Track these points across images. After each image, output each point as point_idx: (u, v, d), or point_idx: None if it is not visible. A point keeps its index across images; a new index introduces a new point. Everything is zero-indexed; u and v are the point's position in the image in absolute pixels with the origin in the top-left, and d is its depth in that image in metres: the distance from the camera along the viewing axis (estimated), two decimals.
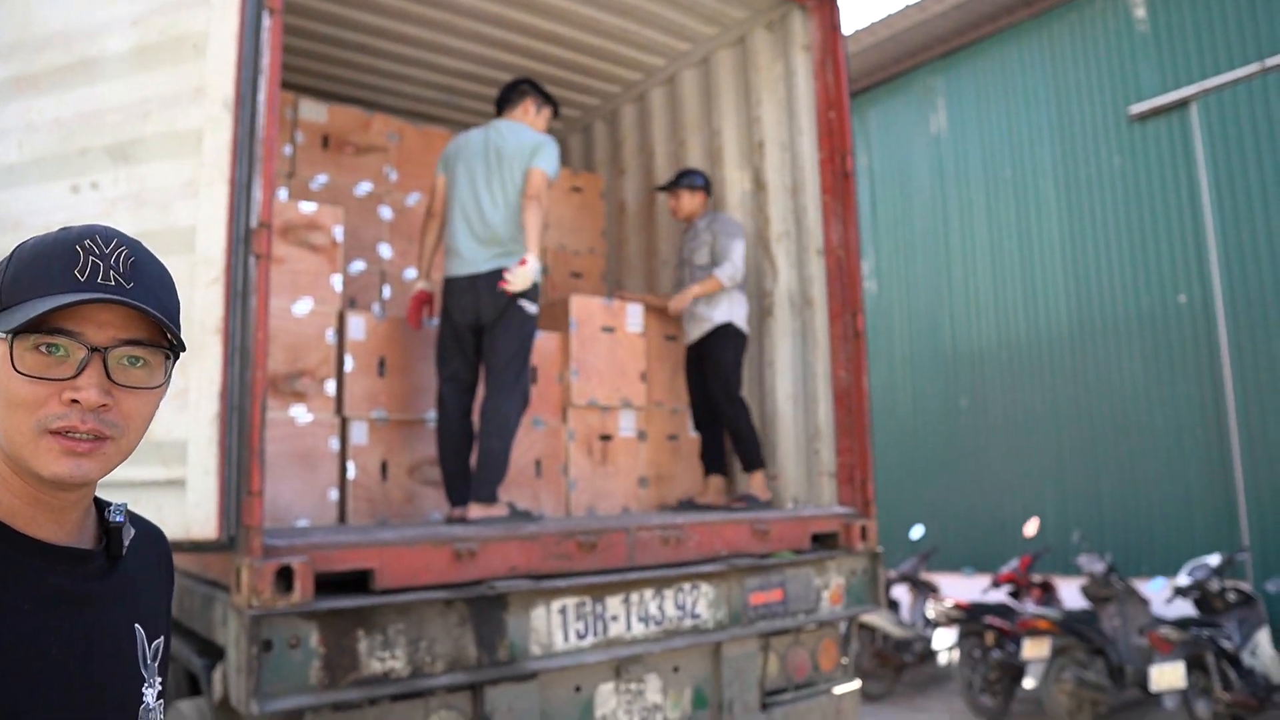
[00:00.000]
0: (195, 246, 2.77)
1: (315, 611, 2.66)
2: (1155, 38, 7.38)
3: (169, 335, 0.95)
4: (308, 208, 4.01)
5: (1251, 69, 6.73)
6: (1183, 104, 7.15)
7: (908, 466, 8.99)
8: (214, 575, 3.13)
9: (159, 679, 1.05)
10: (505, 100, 4.31)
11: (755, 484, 4.61)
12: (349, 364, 4.00)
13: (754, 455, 4.60)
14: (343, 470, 3.93)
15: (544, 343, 4.49)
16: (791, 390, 4.76)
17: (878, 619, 6.80)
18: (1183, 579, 5.75)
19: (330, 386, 3.90)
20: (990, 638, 6.19)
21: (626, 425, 4.77)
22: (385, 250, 4.92)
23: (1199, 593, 5.69)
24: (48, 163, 2.93)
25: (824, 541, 4.21)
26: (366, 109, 5.41)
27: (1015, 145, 8.39)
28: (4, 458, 0.93)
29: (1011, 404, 8.24)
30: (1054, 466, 7.88)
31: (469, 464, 3.94)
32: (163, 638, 1.08)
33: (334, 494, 3.86)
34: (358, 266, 4.78)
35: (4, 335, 0.89)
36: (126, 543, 1.02)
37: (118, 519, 1.01)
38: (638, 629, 3.34)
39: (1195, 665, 5.21)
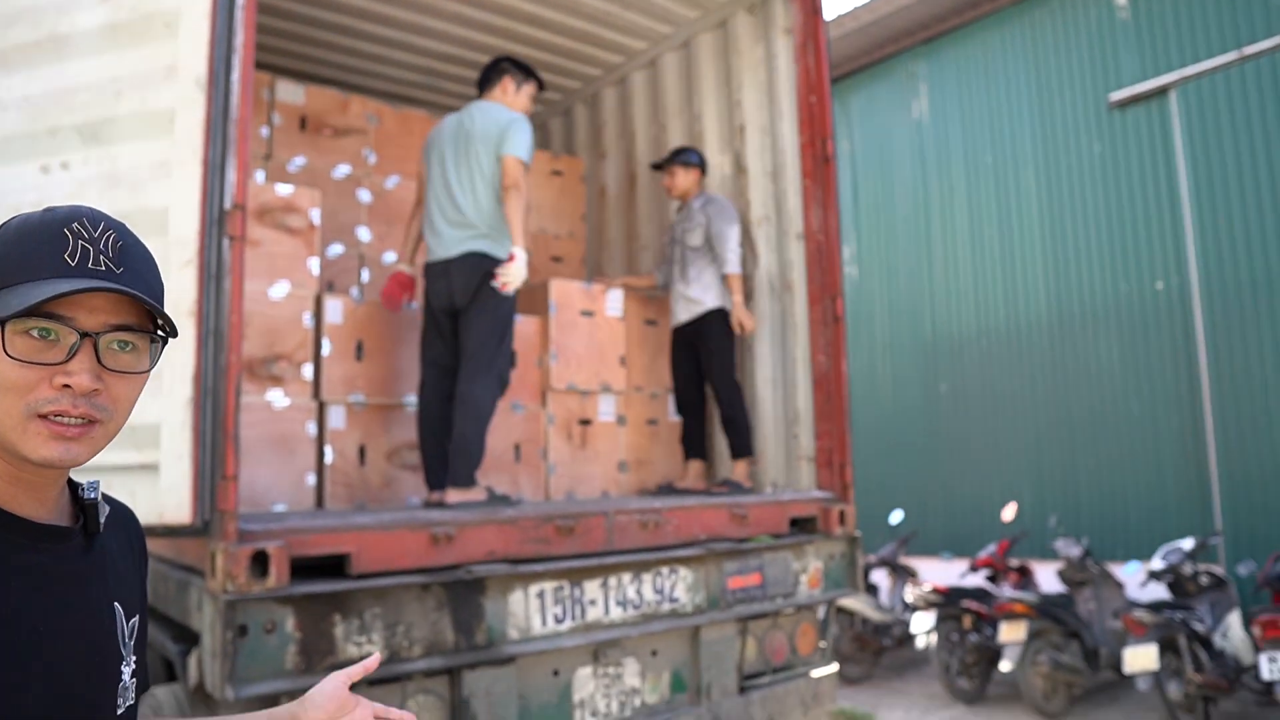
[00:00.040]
0: (168, 228, 2.73)
1: (291, 596, 2.64)
2: (1135, 25, 7.40)
3: (159, 320, 0.96)
4: (284, 190, 3.96)
5: (1230, 57, 6.77)
6: (1162, 91, 7.18)
7: (887, 451, 9.04)
8: (189, 560, 3.10)
9: (134, 658, 1.05)
10: (484, 80, 4.27)
11: (739, 471, 4.62)
12: (326, 348, 3.97)
13: (744, 442, 4.61)
14: (320, 455, 3.91)
15: (523, 327, 4.48)
16: (770, 375, 4.77)
17: (857, 603, 6.84)
18: (1157, 563, 5.82)
19: (307, 370, 3.87)
20: (968, 621, 6.24)
21: (606, 410, 4.77)
22: (364, 233, 4.88)
23: (1172, 576, 5.76)
24: (16, 142, 2.87)
25: (802, 526, 4.23)
26: (345, 91, 5.36)
27: (996, 131, 8.41)
28: None
29: (990, 389, 8.29)
30: (1032, 452, 7.94)
31: (448, 448, 3.93)
32: (139, 617, 1.08)
33: (311, 479, 3.84)
34: (336, 250, 4.74)
35: None
36: (102, 519, 1.03)
37: (92, 495, 1.02)
38: (616, 613, 3.35)
39: (1168, 647, 5.27)
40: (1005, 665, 5.89)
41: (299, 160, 4.74)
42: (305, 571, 2.78)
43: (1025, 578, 6.84)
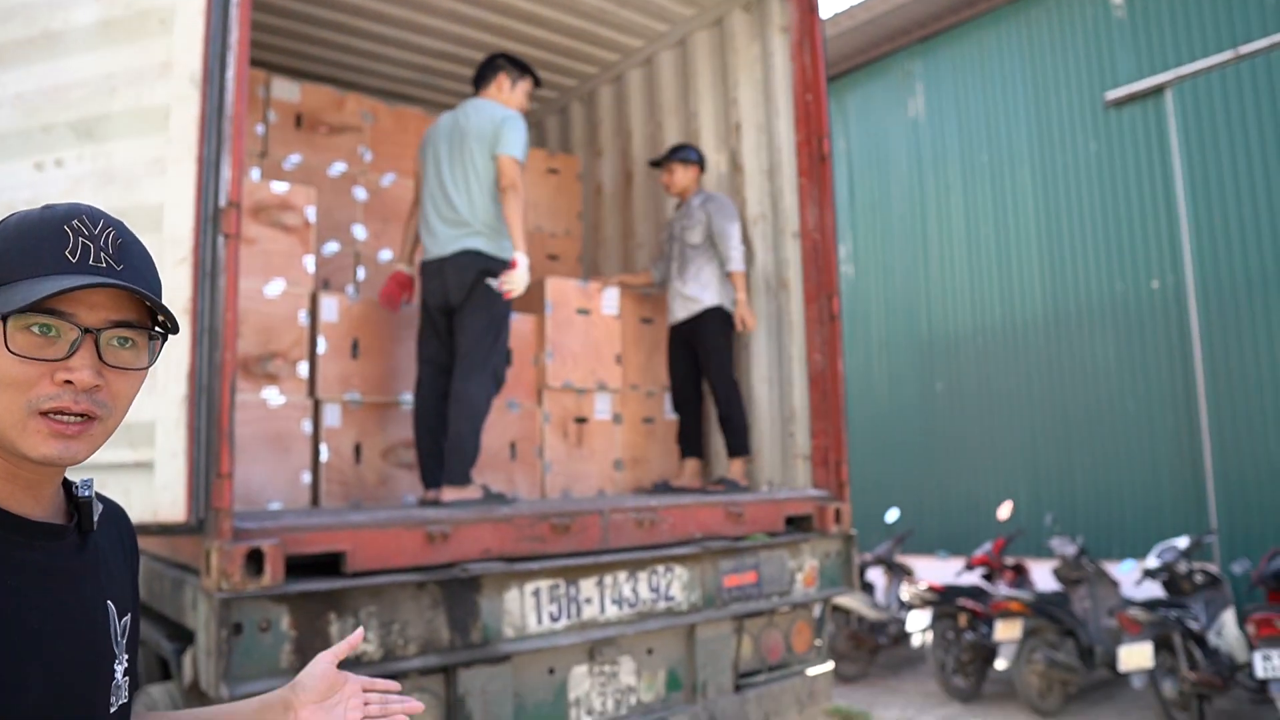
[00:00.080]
0: (163, 225, 2.72)
1: (286, 594, 2.64)
2: (1131, 24, 7.41)
3: (160, 317, 0.97)
4: (280, 187, 3.96)
5: (1225, 56, 6.78)
6: (1158, 90, 7.19)
7: (884, 450, 9.05)
8: (184, 559, 3.10)
9: (126, 656, 1.05)
10: (480, 77, 4.26)
11: (735, 470, 4.62)
12: (322, 346, 3.96)
13: (741, 441, 4.61)
14: (315, 453, 3.91)
15: (519, 325, 4.47)
16: (766, 373, 4.77)
17: (853, 601, 6.85)
18: (1152, 561, 5.83)
19: (303, 368, 3.87)
20: (963, 620, 6.25)
21: (602, 408, 4.76)
22: (359, 231, 4.87)
23: (1167, 574, 5.77)
24: (10, 139, 2.87)
25: (798, 524, 4.23)
26: (340, 88, 5.35)
27: (992, 130, 8.41)
28: None
29: (986, 388, 8.30)
30: (1027, 450, 7.95)
31: (444, 447, 3.92)
32: (130, 615, 1.08)
33: (306, 477, 3.83)
34: (331, 248, 4.73)
35: None
36: (95, 517, 1.04)
37: (86, 493, 1.02)
38: (611, 611, 3.34)
39: (1163, 645, 5.28)
40: (1000, 663, 5.90)
41: (294, 158, 4.73)
42: (300, 570, 2.77)
43: (1021, 576, 6.85)
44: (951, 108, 8.76)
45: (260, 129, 4.66)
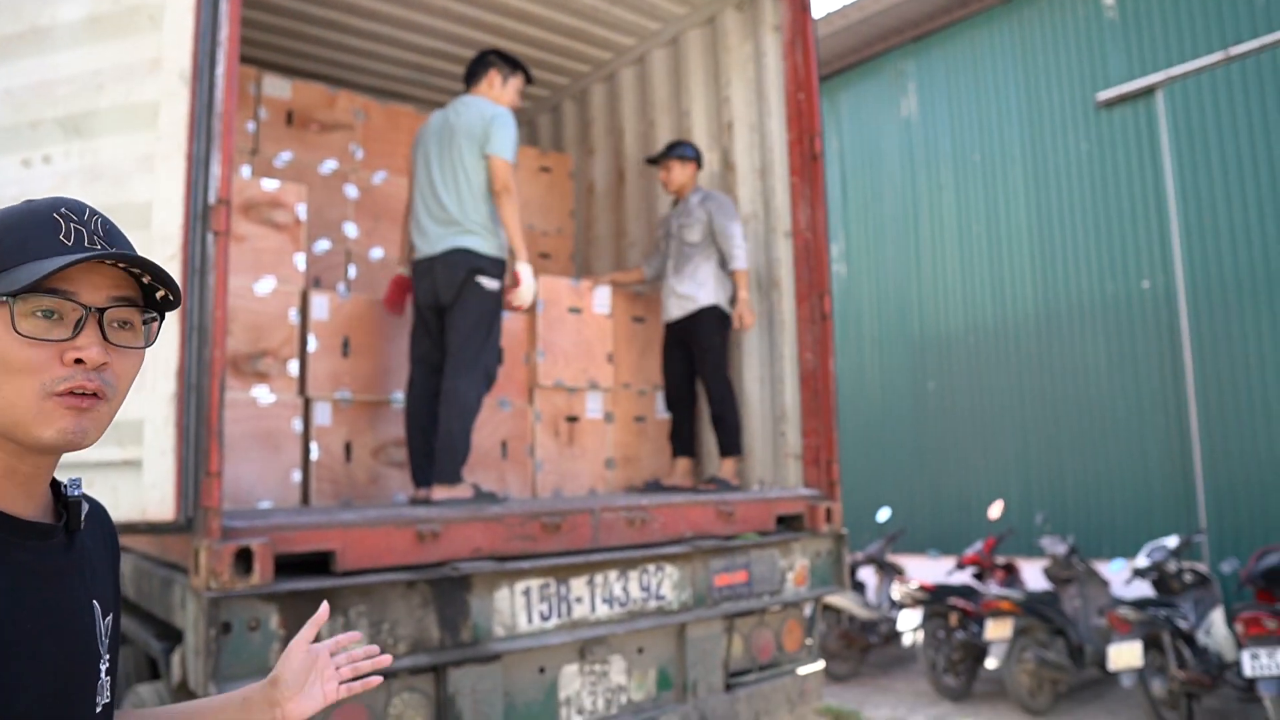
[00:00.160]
0: (152, 222, 2.71)
1: (275, 593, 2.63)
2: (1123, 25, 7.43)
3: (160, 293, 0.98)
4: (270, 185, 3.94)
5: (1216, 57, 6.80)
6: (1149, 91, 7.21)
7: (875, 449, 9.06)
8: (173, 558, 3.08)
9: (109, 656, 1.05)
10: (471, 74, 4.24)
11: (727, 469, 4.61)
12: (312, 344, 3.95)
13: (734, 441, 4.60)
14: (306, 451, 3.89)
15: (510, 323, 4.47)
16: (758, 372, 4.77)
17: (844, 600, 6.85)
18: (1141, 560, 5.85)
19: (293, 367, 3.86)
20: (954, 619, 6.26)
21: (593, 407, 4.76)
22: (351, 229, 4.86)
23: (1157, 574, 5.79)
24: None
25: (789, 523, 4.23)
26: (332, 86, 5.33)
27: (984, 130, 8.43)
28: None
29: (978, 387, 8.32)
30: (1018, 450, 7.97)
31: (435, 445, 3.91)
32: (113, 615, 1.08)
33: (297, 475, 3.82)
34: (322, 245, 4.72)
35: (3, 299, 0.89)
36: (82, 517, 1.04)
37: (75, 493, 1.02)
38: (602, 610, 3.34)
39: (1152, 644, 5.30)
40: (991, 662, 5.91)
41: (285, 155, 4.72)
42: (290, 569, 2.76)
43: (1011, 575, 6.87)
44: (944, 107, 8.78)
45: (251, 126, 4.64)
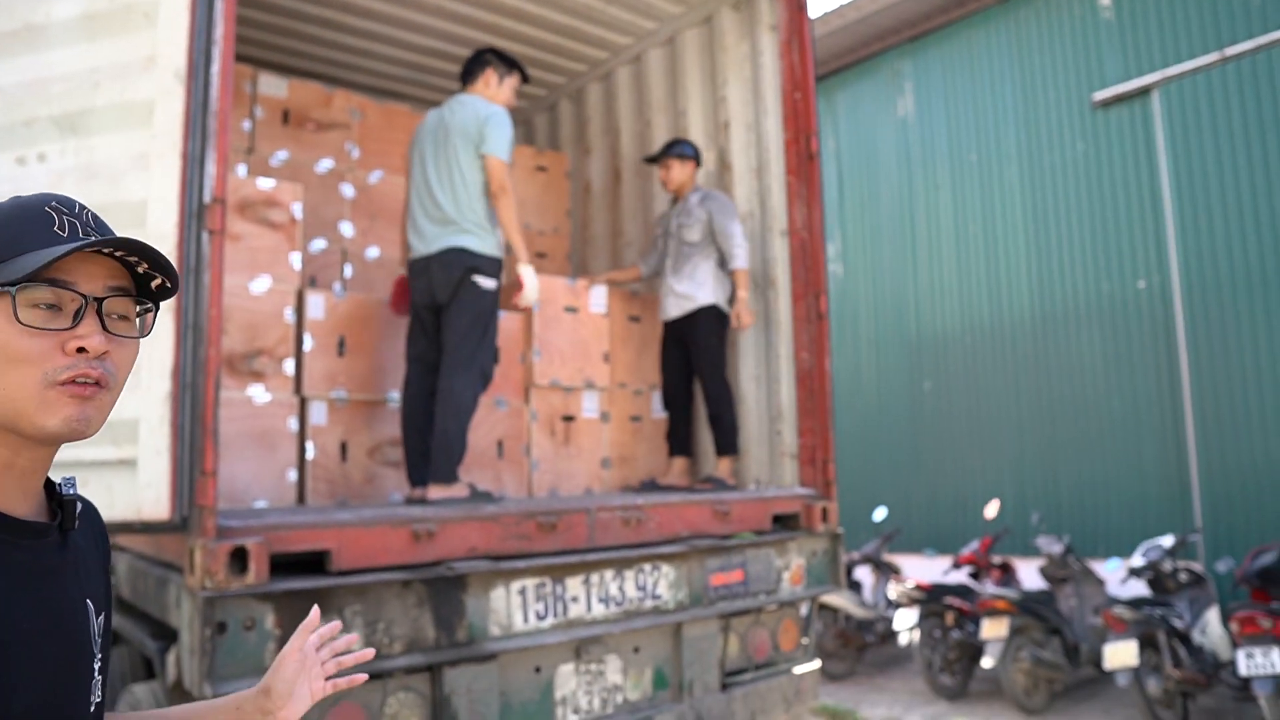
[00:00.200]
0: (146, 221, 2.70)
1: (270, 593, 2.62)
2: (1119, 25, 7.44)
3: (155, 283, 0.99)
4: (266, 184, 3.93)
5: (1211, 58, 6.81)
6: (1144, 91, 7.22)
7: (872, 448, 9.07)
8: (168, 557, 3.08)
9: (101, 655, 1.05)
10: (467, 72, 4.24)
11: (723, 469, 4.61)
12: (308, 343, 3.94)
13: (730, 440, 4.60)
14: (301, 451, 3.89)
15: (506, 323, 4.46)
16: (754, 371, 4.77)
17: (840, 600, 6.86)
18: (1137, 560, 5.85)
19: (289, 366, 3.85)
20: (950, 618, 6.27)
21: (589, 406, 4.76)
22: (347, 228, 4.85)
23: (1152, 573, 5.80)
24: None
25: (785, 522, 4.23)
26: (328, 84, 5.33)
27: (981, 130, 8.43)
28: None
29: (974, 387, 8.32)
30: (1014, 449, 7.98)
31: (431, 445, 3.91)
32: (105, 614, 1.08)
33: (292, 475, 3.82)
34: (318, 245, 4.71)
35: (3, 290, 0.90)
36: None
37: (69, 491, 1.02)
38: (598, 610, 3.34)
39: (1147, 644, 5.31)
40: (987, 661, 5.92)
41: (281, 154, 4.71)
42: (285, 568, 2.76)
43: (1007, 574, 6.87)
44: (940, 107, 8.79)
45: (247, 125, 4.63)
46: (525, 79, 4.37)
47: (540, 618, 3.17)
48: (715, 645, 3.75)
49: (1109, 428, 7.32)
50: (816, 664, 4.20)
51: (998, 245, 8.23)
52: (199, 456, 2.64)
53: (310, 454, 3.89)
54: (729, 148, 4.98)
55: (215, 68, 2.76)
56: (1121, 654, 5.18)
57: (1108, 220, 7.43)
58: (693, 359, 4.73)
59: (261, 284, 3.81)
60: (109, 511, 2.66)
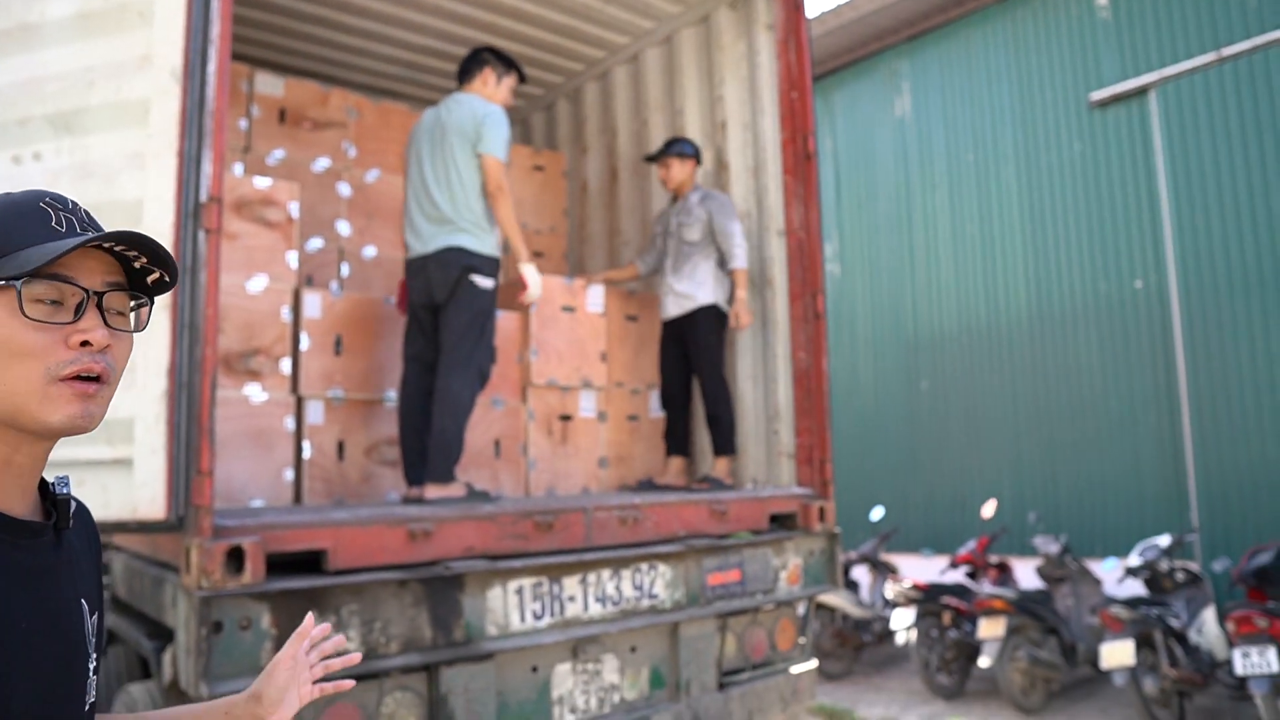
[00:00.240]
0: (142, 220, 2.70)
1: (267, 592, 2.62)
2: (1116, 25, 7.44)
3: (151, 277, 1.00)
4: (262, 183, 3.93)
5: (1209, 58, 6.82)
6: (1142, 91, 7.23)
7: (869, 448, 9.07)
8: (164, 556, 3.08)
9: (95, 655, 1.05)
10: (465, 71, 4.23)
11: (720, 468, 4.61)
12: (305, 342, 3.94)
13: (728, 440, 4.60)
14: (298, 450, 3.88)
15: (504, 322, 4.46)
16: (751, 371, 4.77)
17: (838, 599, 6.86)
18: (1134, 559, 5.86)
19: (285, 365, 3.84)
20: (947, 618, 6.27)
21: (586, 405, 4.75)
22: (344, 227, 4.85)
23: (1149, 573, 5.80)
24: None
25: (782, 522, 4.23)
26: (325, 84, 5.32)
27: (978, 130, 8.44)
28: None
29: (971, 387, 8.33)
30: (1011, 449, 7.98)
31: (428, 444, 3.91)
32: (98, 613, 1.08)
33: (289, 474, 3.81)
34: (315, 244, 4.70)
35: (7, 284, 0.90)
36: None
37: (64, 490, 1.02)
38: (595, 609, 3.34)
39: (1144, 643, 5.31)
40: (984, 661, 5.93)
41: (278, 153, 4.70)
42: (281, 567, 2.76)
43: (1004, 574, 6.88)
44: (938, 107, 8.79)
45: (244, 124, 4.63)
46: (522, 79, 4.37)
47: (537, 617, 3.17)
48: (712, 645, 3.75)
49: (1106, 427, 7.32)
50: (813, 663, 4.20)
51: (995, 245, 8.23)
52: (195, 456, 2.64)
53: (307, 453, 3.89)
54: (726, 147, 4.98)
55: (211, 67, 2.75)
56: (1118, 653, 5.18)
57: (1105, 220, 7.44)
58: (692, 358, 4.73)
59: (258, 283, 3.80)
60: (105, 511, 2.66)
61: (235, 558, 2.59)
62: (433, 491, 3.65)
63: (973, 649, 6.20)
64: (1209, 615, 5.56)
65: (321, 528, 2.82)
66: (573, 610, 3.27)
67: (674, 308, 4.76)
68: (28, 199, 0.96)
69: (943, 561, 7.65)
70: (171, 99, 2.72)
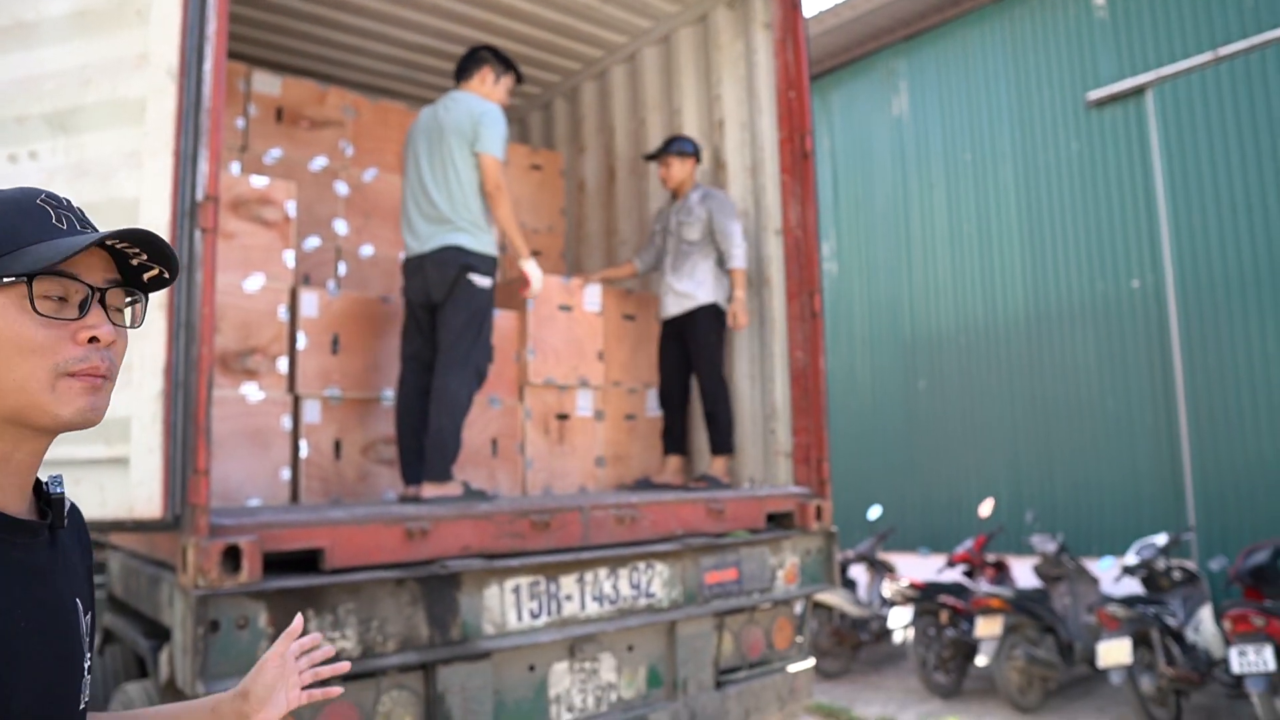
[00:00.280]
0: (138, 219, 2.70)
1: (263, 591, 2.62)
2: (1113, 25, 7.45)
3: (147, 275, 1.00)
4: (259, 182, 3.93)
5: (1205, 58, 6.82)
6: (1138, 91, 7.23)
7: (866, 447, 9.07)
8: (161, 556, 3.07)
9: (89, 654, 1.05)
10: (462, 69, 4.23)
11: (717, 467, 4.61)
12: (301, 341, 3.94)
13: (726, 439, 4.60)
14: (295, 449, 3.88)
15: (501, 321, 4.46)
16: (748, 370, 4.77)
17: (835, 598, 6.86)
18: (1131, 558, 5.87)
19: (282, 364, 3.84)
20: (945, 616, 6.27)
21: (584, 404, 4.75)
22: (341, 226, 4.84)
23: (1146, 571, 5.81)
24: None
25: (779, 521, 4.23)
26: (322, 82, 5.32)
27: (975, 129, 8.44)
28: None
29: (968, 386, 8.33)
30: (1009, 448, 7.99)
31: (425, 443, 3.91)
32: (91, 612, 1.08)
33: (286, 473, 3.81)
34: (312, 243, 4.70)
35: (16, 280, 0.90)
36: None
37: (58, 490, 1.03)
38: (592, 608, 3.34)
39: (1141, 642, 5.32)
40: (981, 660, 5.93)
41: (275, 152, 4.70)
42: (278, 566, 2.75)
43: (1001, 573, 6.88)
44: (935, 106, 8.79)
45: (241, 123, 4.62)
46: (520, 80, 4.37)
47: (534, 616, 3.17)
48: (709, 643, 3.75)
49: (1103, 426, 7.33)
50: (811, 662, 4.21)
51: (992, 244, 8.24)
52: (192, 455, 2.63)
53: (304, 452, 3.89)
54: (723, 146, 4.98)
55: (208, 65, 2.75)
56: (1115, 652, 5.19)
57: (1102, 220, 7.45)
58: (691, 357, 4.73)
59: (255, 282, 3.80)
60: (101, 510, 2.66)
61: (232, 557, 2.59)
62: (430, 490, 3.65)
63: (970, 648, 6.21)
64: (1205, 614, 5.57)
65: (318, 527, 2.82)
66: (570, 609, 3.28)
67: (674, 307, 4.76)
68: (25, 196, 0.96)
69: (940, 560, 7.66)
70: (168, 97, 2.72)
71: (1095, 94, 7.46)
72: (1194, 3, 6.95)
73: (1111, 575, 6.39)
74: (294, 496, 3.85)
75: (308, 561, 2.82)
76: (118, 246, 0.96)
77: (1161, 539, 5.89)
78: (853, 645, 7.03)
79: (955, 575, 7.09)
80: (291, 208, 3.98)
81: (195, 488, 2.61)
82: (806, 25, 4.69)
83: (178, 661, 2.60)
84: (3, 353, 0.91)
